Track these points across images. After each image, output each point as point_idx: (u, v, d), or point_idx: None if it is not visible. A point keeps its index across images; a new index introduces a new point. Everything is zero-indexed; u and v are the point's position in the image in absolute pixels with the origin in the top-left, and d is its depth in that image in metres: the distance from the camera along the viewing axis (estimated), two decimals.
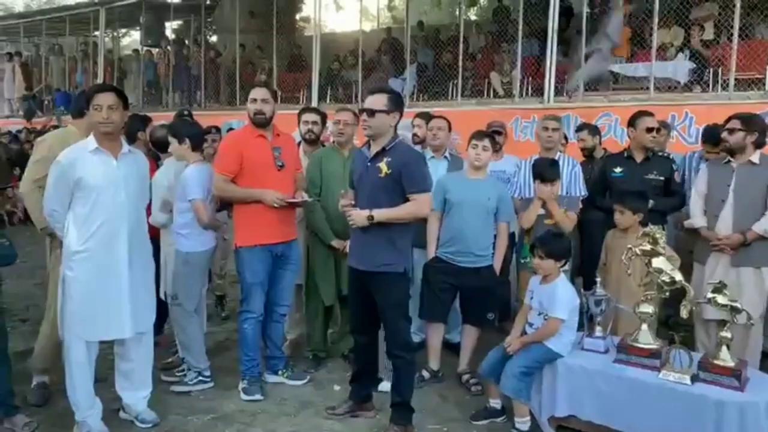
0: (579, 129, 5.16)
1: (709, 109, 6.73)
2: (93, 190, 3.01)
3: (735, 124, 3.67)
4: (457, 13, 14.06)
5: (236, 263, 3.75)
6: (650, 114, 4.20)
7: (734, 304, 2.95)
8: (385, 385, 3.54)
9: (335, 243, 3.89)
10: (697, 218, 3.81)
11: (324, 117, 4.45)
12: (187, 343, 3.76)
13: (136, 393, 3.34)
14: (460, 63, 9.37)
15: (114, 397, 3.36)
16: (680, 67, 7.89)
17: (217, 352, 4.34)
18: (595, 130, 5.05)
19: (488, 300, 3.85)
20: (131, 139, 3.95)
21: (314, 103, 10.13)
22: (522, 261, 3.93)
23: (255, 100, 3.64)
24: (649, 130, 4.11)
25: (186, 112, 5.99)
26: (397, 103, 3.16)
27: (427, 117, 4.59)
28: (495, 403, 3.40)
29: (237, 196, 3.65)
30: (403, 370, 3.22)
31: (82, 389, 3.12)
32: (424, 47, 11.11)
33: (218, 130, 5.39)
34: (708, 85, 7.73)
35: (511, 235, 4.13)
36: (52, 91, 15.12)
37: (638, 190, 3.85)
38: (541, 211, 3.80)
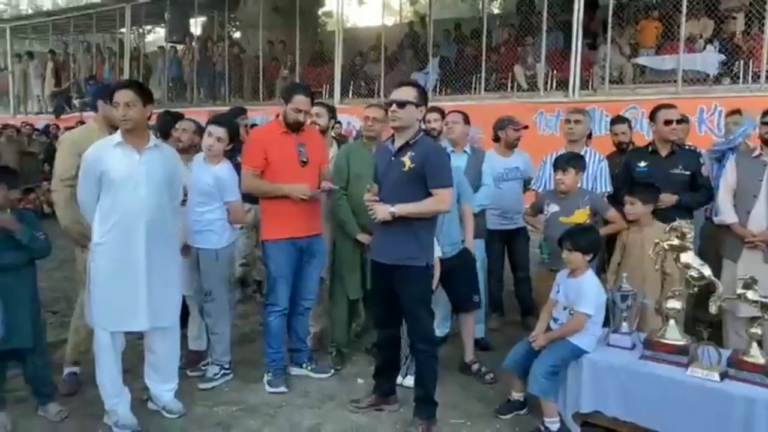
0: (615, 122, 5.07)
1: (739, 101, 6.60)
2: (114, 183, 3.07)
3: None
4: (480, 6, 13.97)
5: (263, 257, 3.78)
6: (671, 106, 4.11)
7: (766, 300, 2.89)
8: (409, 380, 3.55)
9: (361, 237, 3.90)
10: (728, 214, 3.71)
11: (333, 110, 4.45)
12: (219, 336, 3.80)
13: (162, 385, 3.40)
14: (483, 56, 9.32)
15: (143, 387, 3.42)
16: (709, 59, 7.75)
17: (241, 344, 4.39)
18: (630, 125, 4.95)
19: (471, 282, 3.88)
20: (165, 136, 3.99)
21: (336, 99, 10.18)
22: (541, 257, 3.89)
23: (299, 111, 3.61)
24: (667, 122, 4.01)
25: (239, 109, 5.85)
26: (424, 97, 3.16)
27: (441, 112, 4.54)
28: (518, 396, 3.39)
29: (264, 190, 3.68)
30: (427, 363, 3.22)
31: (110, 378, 3.18)
32: (446, 41, 11.06)
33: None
34: (738, 77, 7.57)
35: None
36: (80, 88, 15.38)
37: (648, 182, 3.79)
38: (556, 209, 3.75)
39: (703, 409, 2.78)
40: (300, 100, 3.62)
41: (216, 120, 3.81)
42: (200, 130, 4.11)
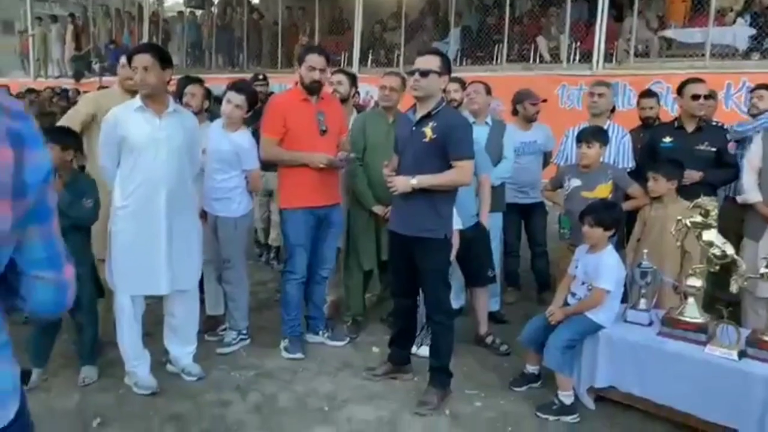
0: (643, 95, 4.96)
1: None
2: (134, 148, 3.08)
3: None
4: None
5: (281, 225, 3.80)
6: (699, 80, 4.01)
7: None
8: (424, 350, 3.57)
9: (377, 209, 3.90)
10: (751, 193, 3.65)
11: (354, 78, 4.39)
12: (238, 302, 3.85)
13: (182, 348, 3.46)
14: (506, 26, 9.14)
15: (162, 350, 3.49)
16: (740, 33, 7.54)
17: (259, 311, 4.44)
18: (658, 100, 4.86)
19: (484, 257, 3.86)
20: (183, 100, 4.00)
21: (355, 67, 10.06)
22: (561, 232, 3.86)
23: (313, 68, 3.55)
24: (695, 97, 3.92)
25: (261, 77, 5.86)
26: (448, 66, 3.10)
27: (461, 82, 4.47)
28: (533, 368, 3.40)
29: (284, 159, 3.67)
30: (442, 335, 3.24)
31: (130, 340, 3.25)
32: (468, 10, 10.85)
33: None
34: None
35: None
36: (100, 52, 15.36)
37: (672, 158, 3.72)
38: (578, 183, 3.70)
39: (720, 387, 2.77)
40: (312, 59, 3.57)
41: (235, 86, 3.79)
42: (209, 95, 4.09)
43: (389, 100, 3.98)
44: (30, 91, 11.60)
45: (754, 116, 4.16)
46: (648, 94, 4.97)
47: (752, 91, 4.43)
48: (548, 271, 4.80)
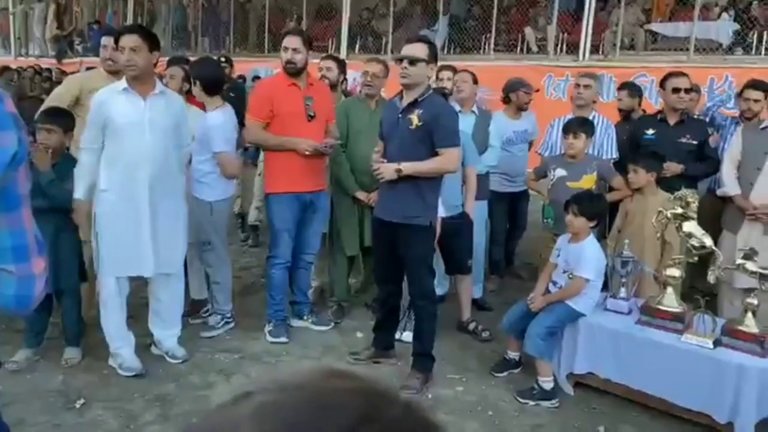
0: (620, 88, 5.02)
1: (750, 72, 6.51)
2: (119, 130, 3.06)
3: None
4: None
5: (266, 210, 3.80)
6: (681, 74, 4.07)
7: (764, 271, 2.92)
8: (408, 335, 3.61)
9: (360, 194, 3.91)
10: (730, 186, 3.72)
11: (343, 64, 4.39)
12: (220, 287, 3.86)
13: (166, 331, 3.47)
14: (494, 16, 9.15)
15: (146, 333, 3.49)
16: (723, 28, 7.62)
17: (243, 295, 4.45)
18: (636, 91, 4.89)
19: (465, 248, 3.90)
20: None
21: (343, 53, 10.01)
22: (544, 221, 3.91)
23: (287, 48, 3.57)
24: (675, 90, 3.98)
25: (223, 60, 5.88)
26: (435, 54, 3.11)
27: (453, 70, 4.49)
28: (514, 355, 3.46)
29: (270, 143, 3.67)
30: (426, 320, 3.28)
31: (114, 322, 3.25)
32: None
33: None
34: (751, 48, 7.47)
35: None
36: (83, 32, 15.11)
37: (652, 150, 3.79)
38: (563, 173, 3.75)
39: (695, 374, 2.85)
40: (287, 40, 3.59)
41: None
42: (188, 77, 4.07)
43: (372, 87, 3.96)
44: (6, 69, 11.30)
45: (749, 119, 4.19)
46: (622, 86, 5.01)
47: (741, 92, 4.41)
48: (514, 252, 5.02)
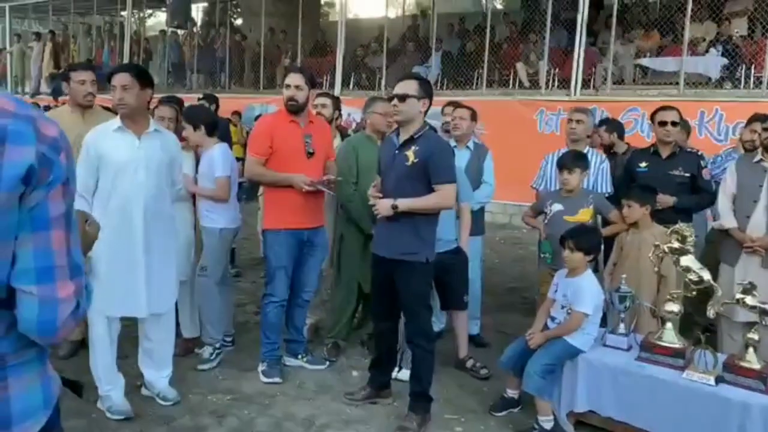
0: (599, 124, 5.07)
1: (740, 106, 6.60)
2: (112, 168, 3.05)
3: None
4: (484, 1, 13.92)
5: (263, 246, 3.78)
6: (670, 108, 4.12)
7: (764, 305, 2.89)
8: (404, 374, 3.55)
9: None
10: (727, 219, 3.72)
11: (337, 101, 4.45)
12: (209, 313, 3.87)
13: (157, 372, 3.39)
14: (486, 52, 9.29)
15: (137, 374, 3.41)
16: (712, 63, 7.75)
17: (237, 333, 4.36)
18: (614, 127, 4.94)
19: (461, 283, 3.87)
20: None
21: (337, 90, 10.12)
22: (542, 256, 3.89)
23: (289, 86, 3.58)
24: (661, 123, 4.03)
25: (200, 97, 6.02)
26: (427, 90, 3.13)
27: (457, 106, 4.53)
28: (513, 393, 3.39)
29: (267, 179, 3.67)
30: (423, 359, 3.22)
31: (104, 364, 3.18)
32: (449, 35, 11.02)
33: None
34: (739, 82, 7.58)
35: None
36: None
37: (644, 184, 3.79)
38: (560, 208, 3.75)
39: (698, 412, 2.79)
40: (289, 77, 3.63)
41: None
42: (178, 117, 4.10)
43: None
44: None
45: (749, 151, 4.19)
46: (601, 123, 5.05)
47: (747, 123, 4.46)
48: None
